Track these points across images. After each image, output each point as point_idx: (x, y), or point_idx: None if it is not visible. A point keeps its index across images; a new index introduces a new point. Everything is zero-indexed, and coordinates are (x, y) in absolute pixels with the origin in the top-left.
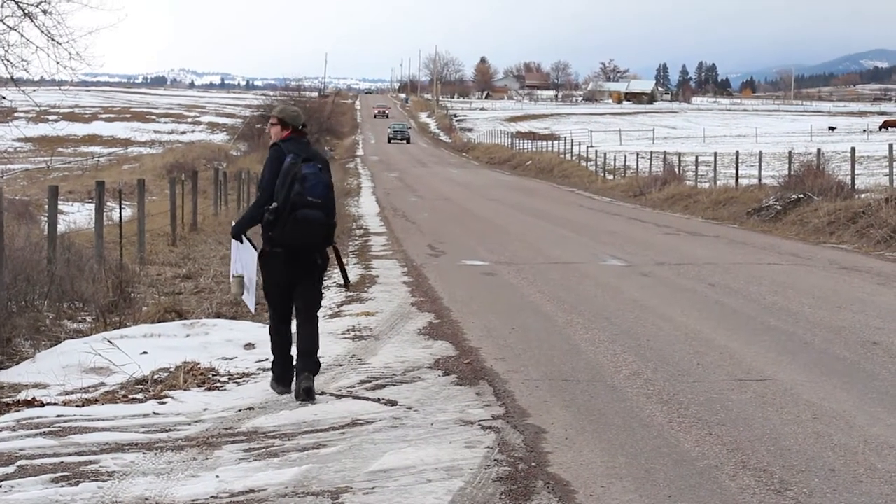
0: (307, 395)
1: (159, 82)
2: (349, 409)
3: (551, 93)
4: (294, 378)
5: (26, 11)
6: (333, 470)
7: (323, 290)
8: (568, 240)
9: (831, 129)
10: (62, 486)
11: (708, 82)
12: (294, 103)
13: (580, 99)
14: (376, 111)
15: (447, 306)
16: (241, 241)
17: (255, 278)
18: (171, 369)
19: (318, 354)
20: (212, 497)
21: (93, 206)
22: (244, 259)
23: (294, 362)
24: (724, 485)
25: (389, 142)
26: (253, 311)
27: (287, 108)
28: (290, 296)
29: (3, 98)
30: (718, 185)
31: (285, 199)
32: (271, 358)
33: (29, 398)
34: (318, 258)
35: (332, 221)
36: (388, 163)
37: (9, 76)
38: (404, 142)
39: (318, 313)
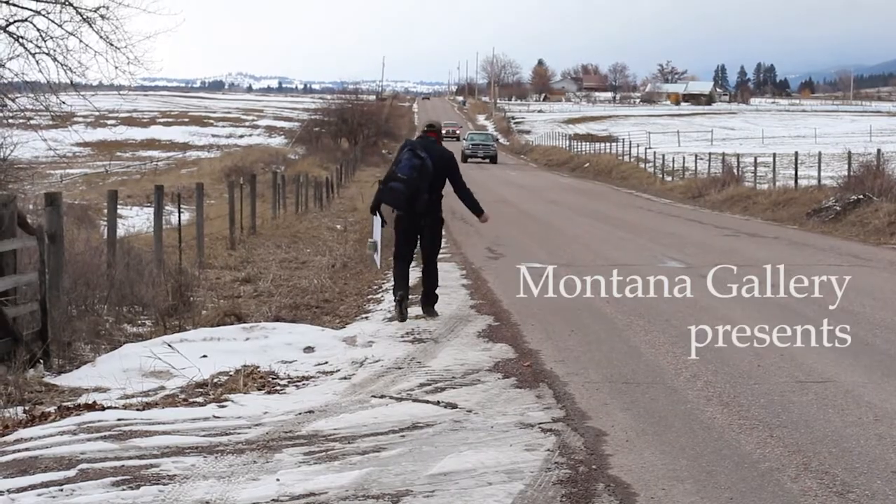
0: (428, 315)
1: (217, 87)
2: (409, 411)
3: (609, 94)
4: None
5: (85, 17)
6: (394, 473)
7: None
8: (626, 241)
9: None
10: (123, 490)
11: (766, 83)
12: (350, 106)
13: (638, 100)
14: (444, 132)
15: (506, 309)
16: (375, 215)
17: (379, 243)
18: (231, 373)
19: (436, 298)
20: (272, 500)
21: (151, 210)
22: (376, 228)
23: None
24: (786, 487)
25: (465, 161)
26: (378, 267)
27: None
28: (410, 246)
29: (63, 103)
30: (777, 187)
31: (386, 175)
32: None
33: (89, 402)
34: (422, 219)
35: (413, 192)
36: None
37: (68, 81)
38: (487, 161)
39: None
